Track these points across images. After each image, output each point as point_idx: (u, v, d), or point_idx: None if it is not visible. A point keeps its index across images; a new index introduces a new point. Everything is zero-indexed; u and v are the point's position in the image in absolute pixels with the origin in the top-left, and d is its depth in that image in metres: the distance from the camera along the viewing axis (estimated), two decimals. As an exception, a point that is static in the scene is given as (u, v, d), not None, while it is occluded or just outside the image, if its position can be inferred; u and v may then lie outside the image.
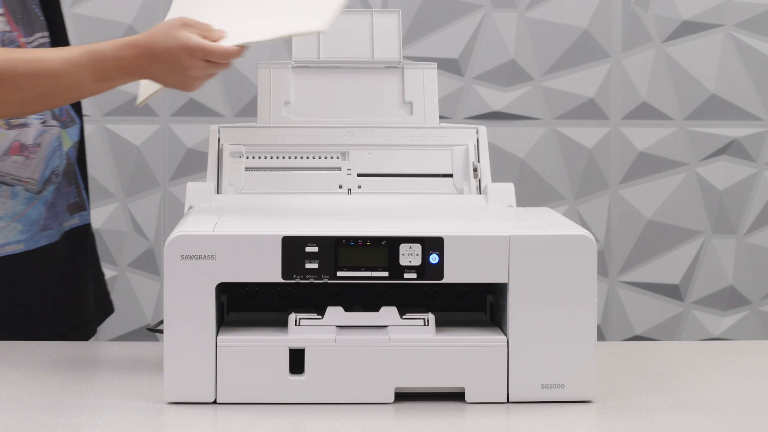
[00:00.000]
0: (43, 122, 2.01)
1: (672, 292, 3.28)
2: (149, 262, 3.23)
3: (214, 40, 1.77)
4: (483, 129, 2.01)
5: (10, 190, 1.99)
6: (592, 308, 1.58)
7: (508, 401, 1.59)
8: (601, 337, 3.23)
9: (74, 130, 2.11)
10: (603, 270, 3.26)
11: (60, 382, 1.68)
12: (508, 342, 1.58)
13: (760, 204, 3.26)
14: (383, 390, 1.58)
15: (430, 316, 1.60)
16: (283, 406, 1.57)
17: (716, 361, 1.83)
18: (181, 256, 1.55)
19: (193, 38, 1.76)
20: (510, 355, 1.58)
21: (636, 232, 3.26)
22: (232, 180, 1.95)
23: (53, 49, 1.80)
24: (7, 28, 1.95)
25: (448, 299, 1.69)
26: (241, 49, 1.77)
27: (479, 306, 1.70)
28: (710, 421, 1.54)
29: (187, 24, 1.78)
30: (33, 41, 1.99)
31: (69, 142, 2.09)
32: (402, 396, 1.59)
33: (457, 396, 1.59)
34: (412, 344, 1.58)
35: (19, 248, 2.02)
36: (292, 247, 1.56)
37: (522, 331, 1.58)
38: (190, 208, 1.85)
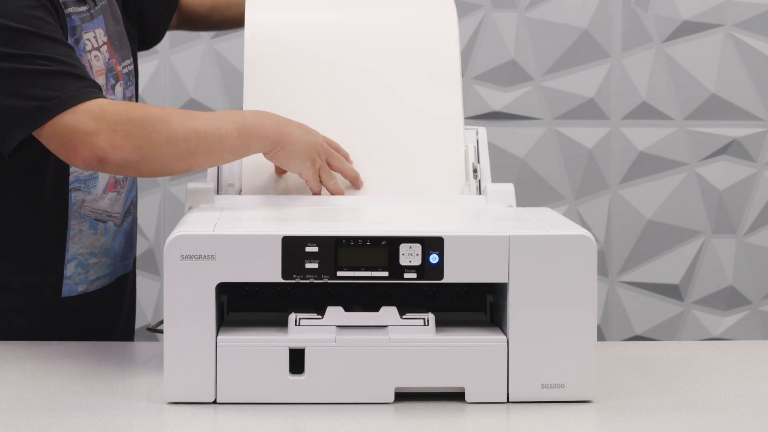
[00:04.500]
0: None
1: (672, 292, 3.28)
2: (149, 262, 3.23)
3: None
4: (483, 130, 2.01)
5: (104, 227, 2.02)
6: (592, 308, 1.58)
7: (508, 401, 1.58)
8: (601, 337, 3.23)
9: None
10: (603, 270, 3.26)
11: (60, 382, 1.68)
12: (508, 342, 1.58)
13: (760, 204, 3.27)
14: (383, 390, 1.58)
15: (430, 316, 1.60)
16: (283, 406, 1.57)
17: (716, 361, 1.83)
18: (181, 256, 1.55)
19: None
20: (510, 355, 1.58)
21: (636, 232, 3.27)
22: (232, 180, 1.95)
23: (198, 111, 1.85)
24: (107, 55, 1.99)
25: (448, 299, 1.69)
26: (356, 178, 1.94)
27: (479, 306, 1.70)
28: (710, 421, 1.54)
29: None
30: (125, 67, 2.03)
31: None
32: (402, 396, 1.59)
33: (457, 396, 1.59)
34: (412, 344, 1.58)
35: (105, 282, 2.06)
36: (292, 247, 1.56)
37: (522, 331, 1.58)
38: (190, 208, 1.85)
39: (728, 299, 3.29)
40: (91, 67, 1.94)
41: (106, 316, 2.08)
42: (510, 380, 1.58)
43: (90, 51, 1.94)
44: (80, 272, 1.99)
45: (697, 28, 3.22)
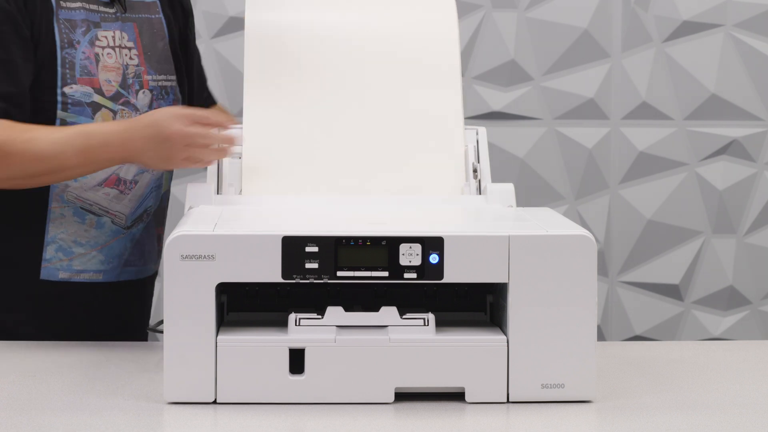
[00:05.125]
0: None
1: (672, 292, 3.28)
2: (149, 262, 3.23)
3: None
4: (483, 130, 2.01)
5: (96, 220, 2.03)
6: (592, 308, 1.58)
7: (508, 401, 1.58)
8: (601, 337, 3.23)
9: (170, 174, 2.18)
10: (603, 270, 3.26)
11: (60, 382, 1.68)
12: (508, 342, 1.58)
13: (760, 204, 3.27)
14: (383, 390, 1.57)
15: (430, 316, 1.59)
16: (283, 406, 1.57)
17: (716, 361, 1.83)
18: (181, 256, 1.55)
19: (184, 109, 1.89)
20: (510, 355, 1.58)
21: (636, 232, 3.27)
22: (232, 180, 1.95)
23: (51, 128, 1.90)
24: (135, 62, 2.04)
25: (448, 299, 1.69)
26: (231, 118, 1.91)
27: (479, 306, 1.70)
28: (710, 421, 1.54)
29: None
30: (158, 81, 2.07)
31: (167, 185, 2.15)
32: (402, 396, 1.59)
33: (457, 396, 1.59)
34: (412, 344, 1.58)
35: (98, 278, 2.05)
36: (292, 247, 1.56)
37: (522, 331, 1.58)
38: (190, 208, 1.85)
39: (728, 299, 3.29)
40: (97, 60, 1.98)
41: (101, 315, 2.06)
42: (510, 380, 1.58)
43: (103, 48, 1.99)
44: (62, 258, 2.00)
45: (697, 28, 3.22)
